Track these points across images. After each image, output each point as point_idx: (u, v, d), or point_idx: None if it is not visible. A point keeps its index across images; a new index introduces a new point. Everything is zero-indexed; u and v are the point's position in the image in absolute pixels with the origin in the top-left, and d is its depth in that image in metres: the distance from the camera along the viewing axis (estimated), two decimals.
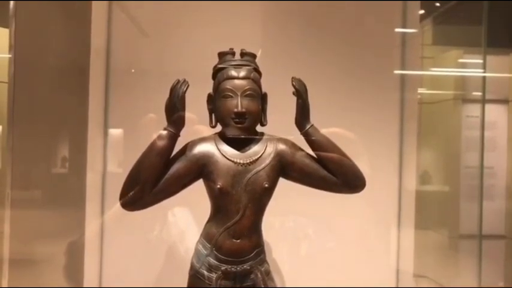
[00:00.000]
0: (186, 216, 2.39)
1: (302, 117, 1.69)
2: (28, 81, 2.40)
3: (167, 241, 2.43)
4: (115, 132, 2.53)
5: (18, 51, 2.32)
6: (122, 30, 2.51)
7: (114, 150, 2.51)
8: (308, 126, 1.69)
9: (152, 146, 1.64)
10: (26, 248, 2.41)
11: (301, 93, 1.67)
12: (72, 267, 2.50)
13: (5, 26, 2.34)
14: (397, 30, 2.68)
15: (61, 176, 2.64)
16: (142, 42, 2.52)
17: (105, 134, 2.51)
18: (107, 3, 2.51)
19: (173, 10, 2.50)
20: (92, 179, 2.48)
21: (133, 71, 2.50)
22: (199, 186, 1.72)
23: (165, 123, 1.66)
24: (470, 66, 3.16)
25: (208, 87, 1.78)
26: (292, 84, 1.67)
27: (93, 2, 2.49)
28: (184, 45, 2.45)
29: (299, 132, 1.71)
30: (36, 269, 2.41)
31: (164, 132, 1.64)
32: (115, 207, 2.27)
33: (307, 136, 1.69)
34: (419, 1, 2.66)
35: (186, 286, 1.74)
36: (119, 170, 2.50)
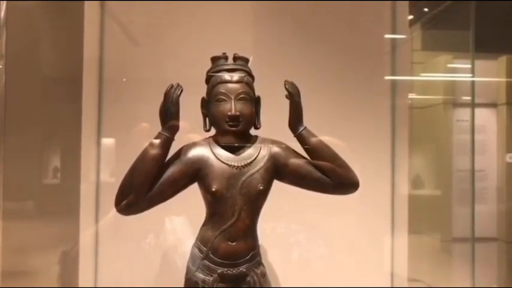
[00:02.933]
0: (180, 221, 2.39)
1: (295, 119, 1.72)
2: (20, 91, 2.40)
3: (162, 247, 2.42)
4: (107, 141, 2.52)
5: (9, 62, 2.32)
6: (115, 40, 2.51)
7: (107, 159, 2.51)
8: (301, 129, 1.71)
9: (147, 150, 1.65)
10: (18, 259, 2.39)
11: (294, 96, 1.70)
12: (66, 278, 2.48)
13: None
14: (387, 36, 2.71)
15: (54, 186, 2.62)
16: (135, 51, 2.52)
17: (98, 143, 2.51)
18: (99, 12, 2.52)
19: (165, 18, 2.51)
20: (86, 188, 2.47)
21: (124, 79, 2.50)
22: (193, 190, 1.74)
23: (156, 131, 1.67)
24: (459, 71, 3.19)
25: (201, 93, 1.80)
26: (285, 87, 1.70)
27: (85, 11, 2.50)
28: (176, 53, 2.46)
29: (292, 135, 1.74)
30: (29, 280, 2.39)
31: (159, 137, 1.65)
32: (109, 215, 2.29)
33: (300, 138, 1.72)
34: (407, 6, 2.69)
35: None
36: (112, 179, 2.49)
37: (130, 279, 2.37)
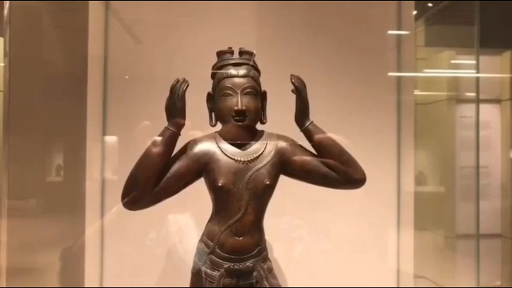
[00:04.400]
0: (186, 217, 2.40)
1: (302, 114, 1.71)
2: (24, 89, 2.40)
3: (168, 243, 2.42)
4: (110, 139, 2.53)
5: (13, 59, 2.32)
6: (119, 38, 2.51)
7: (110, 157, 2.51)
8: (308, 123, 1.71)
9: (153, 145, 1.65)
10: (24, 257, 2.39)
11: (300, 91, 1.70)
12: (71, 275, 2.48)
13: (0, 34, 2.34)
14: (390, 32, 2.71)
15: (59, 184, 2.63)
16: (140, 49, 2.53)
17: (103, 141, 2.51)
18: (103, 11, 2.52)
19: (168, 17, 2.52)
20: (91, 186, 2.48)
21: (127, 77, 2.50)
22: (199, 186, 1.74)
23: (161, 129, 1.67)
24: (463, 66, 3.18)
25: (206, 90, 1.80)
26: (292, 82, 1.69)
27: (90, 10, 2.50)
28: (180, 51, 2.46)
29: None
30: (34, 278, 2.39)
31: (165, 132, 1.65)
32: (113, 210, 2.29)
33: (307, 133, 1.71)
34: (413, 2, 2.69)
35: (188, 286, 1.75)
36: (114, 177, 2.49)
37: (136, 276, 2.38)
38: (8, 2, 2.27)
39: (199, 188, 1.73)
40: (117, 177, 2.48)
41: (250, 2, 2.50)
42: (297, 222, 2.51)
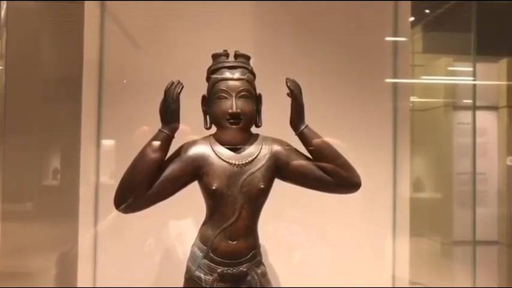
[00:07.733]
0: (180, 220, 2.39)
1: (297, 118, 1.70)
2: (20, 92, 2.40)
3: (162, 247, 2.41)
4: (107, 143, 2.51)
5: (9, 62, 2.32)
6: (115, 41, 2.51)
7: (106, 161, 2.50)
8: (303, 127, 1.70)
9: (147, 147, 1.64)
10: (17, 260, 2.38)
11: (295, 94, 1.69)
12: (65, 279, 2.47)
13: None
14: (388, 39, 2.71)
15: (53, 187, 2.62)
16: (135, 52, 2.52)
17: (98, 145, 2.50)
18: (99, 13, 2.51)
19: (165, 19, 2.52)
20: (85, 190, 2.46)
21: (125, 81, 2.50)
22: (194, 189, 1.72)
23: (158, 129, 1.66)
24: (460, 73, 3.20)
25: (202, 94, 1.78)
26: (287, 85, 1.68)
27: (85, 12, 2.49)
28: (177, 55, 2.46)
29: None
30: (27, 281, 2.38)
31: (158, 135, 1.64)
32: (111, 215, 2.28)
33: (302, 137, 1.70)
34: (409, 8, 2.69)
35: None
36: (111, 181, 2.48)
37: (129, 279, 2.35)
38: (4, 3, 2.27)
39: (196, 191, 1.72)
40: (112, 181, 2.46)
41: (247, 6, 2.50)
42: (293, 227, 2.50)
